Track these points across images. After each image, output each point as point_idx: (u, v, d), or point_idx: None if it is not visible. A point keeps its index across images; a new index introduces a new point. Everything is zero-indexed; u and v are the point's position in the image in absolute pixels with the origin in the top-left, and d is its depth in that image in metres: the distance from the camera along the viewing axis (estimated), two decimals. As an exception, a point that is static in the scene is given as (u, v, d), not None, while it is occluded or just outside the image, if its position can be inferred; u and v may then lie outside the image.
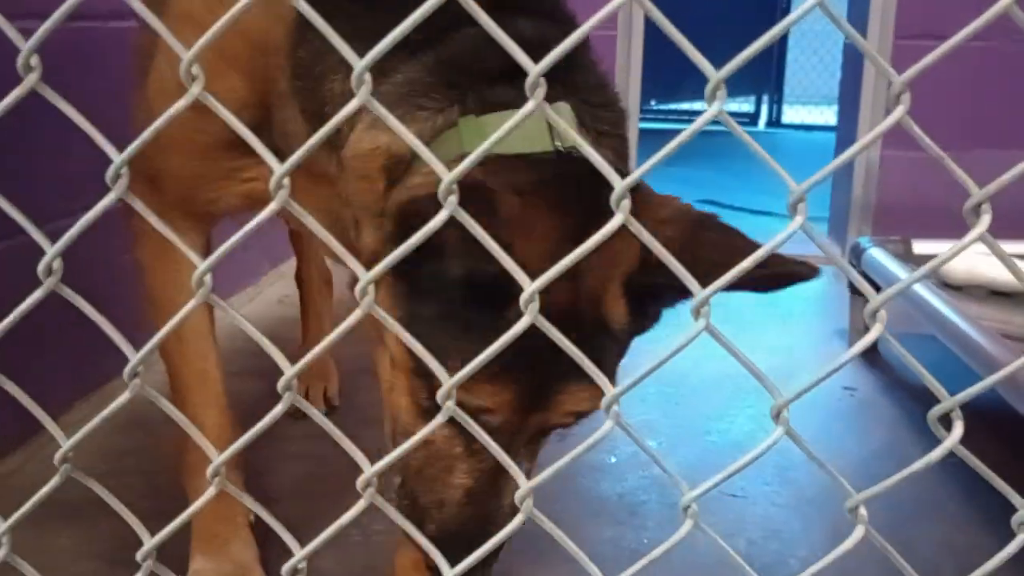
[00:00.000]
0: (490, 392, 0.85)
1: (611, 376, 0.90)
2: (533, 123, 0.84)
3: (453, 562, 0.67)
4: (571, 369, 0.64)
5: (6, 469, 1.61)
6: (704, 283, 0.56)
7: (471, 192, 0.58)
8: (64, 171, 1.72)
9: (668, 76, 6.08)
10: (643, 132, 3.41)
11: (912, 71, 0.55)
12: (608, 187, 0.56)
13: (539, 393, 0.88)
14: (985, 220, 0.57)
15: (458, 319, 0.84)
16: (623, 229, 0.56)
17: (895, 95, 0.56)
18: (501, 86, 0.89)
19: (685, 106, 7.41)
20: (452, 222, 0.56)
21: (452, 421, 0.61)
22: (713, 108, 0.56)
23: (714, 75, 0.56)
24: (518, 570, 1.34)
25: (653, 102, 7.16)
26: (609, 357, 0.91)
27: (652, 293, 0.90)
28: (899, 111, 0.56)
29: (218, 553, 1.28)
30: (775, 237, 0.56)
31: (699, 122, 0.56)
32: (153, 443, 1.71)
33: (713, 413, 1.98)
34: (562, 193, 0.85)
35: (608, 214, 0.55)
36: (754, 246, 0.77)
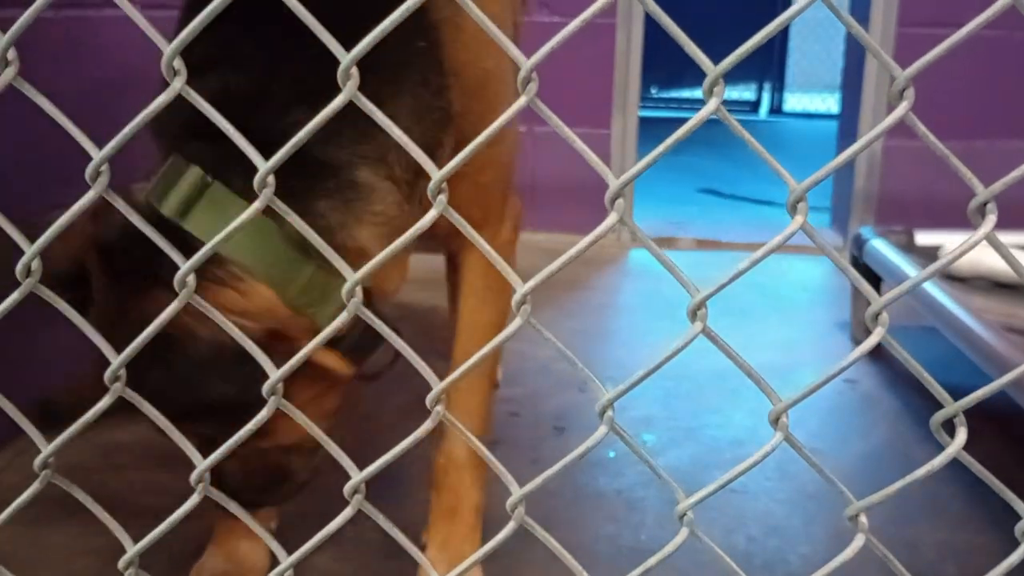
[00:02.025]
0: None
1: None
2: None
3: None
4: None
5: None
6: None
7: None
8: (47, 167, 1.70)
9: (668, 64, 6.05)
10: (643, 120, 3.39)
11: (915, 67, 0.53)
12: None
13: None
14: (991, 220, 0.55)
15: None
16: None
17: (898, 91, 0.54)
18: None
19: (686, 94, 7.38)
20: None
21: None
22: (711, 104, 0.54)
23: (713, 69, 0.54)
24: (515, 570, 1.33)
25: (653, 90, 7.14)
26: None
27: None
28: (902, 107, 0.54)
29: (227, 549, 1.27)
30: (775, 237, 0.55)
31: (696, 119, 0.54)
32: (152, 438, 1.69)
33: (713, 408, 1.96)
34: None
35: None
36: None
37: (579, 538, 1.42)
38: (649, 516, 1.52)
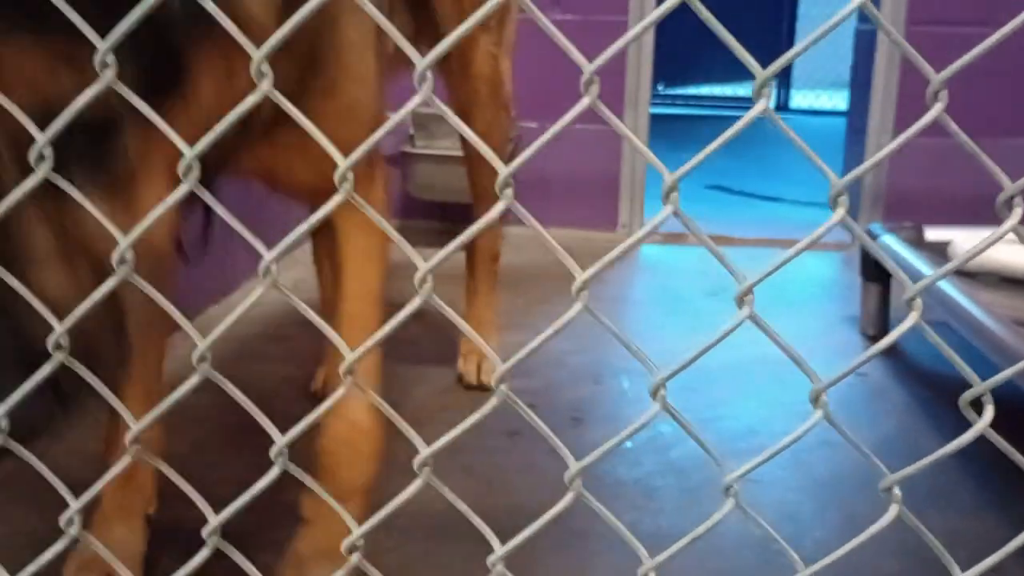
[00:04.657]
0: None
1: None
2: None
3: None
4: None
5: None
6: None
7: None
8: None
9: (676, 61, 6.09)
10: (651, 117, 3.42)
11: (950, 70, 0.58)
12: None
13: None
14: (1017, 212, 0.59)
15: None
16: None
17: (933, 92, 0.58)
18: None
19: (691, 91, 7.42)
20: None
21: None
22: (759, 105, 0.58)
23: (760, 73, 0.58)
24: (528, 555, 1.36)
25: (660, 87, 7.18)
26: None
27: None
28: (937, 108, 0.58)
29: (102, 535, 1.25)
30: (817, 229, 0.59)
31: (746, 118, 0.58)
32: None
33: (727, 400, 2.00)
34: None
35: None
36: None
37: (600, 525, 1.46)
38: (668, 503, 1.57)
